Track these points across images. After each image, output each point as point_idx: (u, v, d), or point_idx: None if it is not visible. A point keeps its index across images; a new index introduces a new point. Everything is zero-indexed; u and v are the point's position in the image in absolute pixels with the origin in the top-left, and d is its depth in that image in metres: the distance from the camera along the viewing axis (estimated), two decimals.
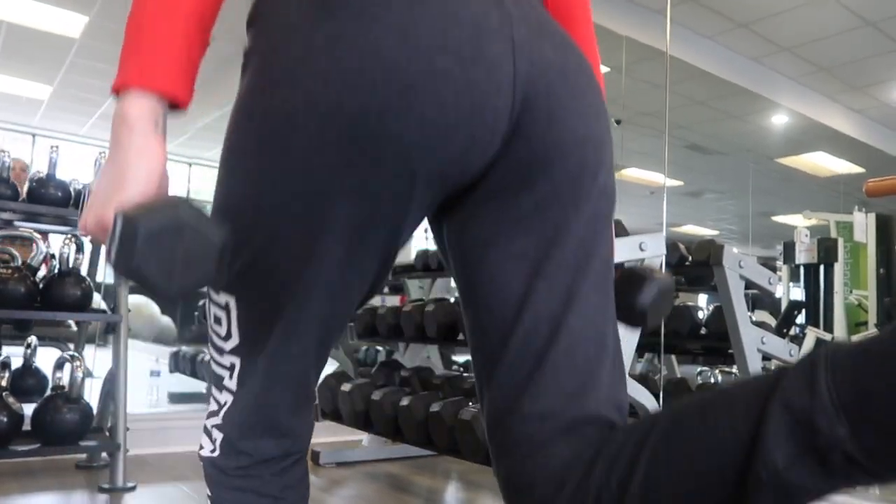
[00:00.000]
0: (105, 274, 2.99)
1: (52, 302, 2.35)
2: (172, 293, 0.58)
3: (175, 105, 0.65)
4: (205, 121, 6.47)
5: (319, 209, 0.66)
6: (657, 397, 2.22)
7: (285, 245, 0.68)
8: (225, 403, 0.76)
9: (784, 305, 5.33)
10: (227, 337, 0.74)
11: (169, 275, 0.57)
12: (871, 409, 0.50)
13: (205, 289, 0.75)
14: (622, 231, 2.05)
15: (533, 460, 0.67)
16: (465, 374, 2.75)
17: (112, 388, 2.51)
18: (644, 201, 6.45)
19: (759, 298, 4.91)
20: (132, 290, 2.63)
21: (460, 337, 2.43)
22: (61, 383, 2.36)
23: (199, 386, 4.16)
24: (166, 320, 7.84)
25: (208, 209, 0.67)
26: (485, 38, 0.65)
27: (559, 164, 0.70)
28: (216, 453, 0.76)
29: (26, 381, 2.74)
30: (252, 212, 0.68)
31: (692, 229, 10.66)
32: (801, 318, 5.12)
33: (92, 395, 2.65)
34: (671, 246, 2.45)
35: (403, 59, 0.62)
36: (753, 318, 2.41)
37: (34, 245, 2.64)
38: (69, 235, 2.55)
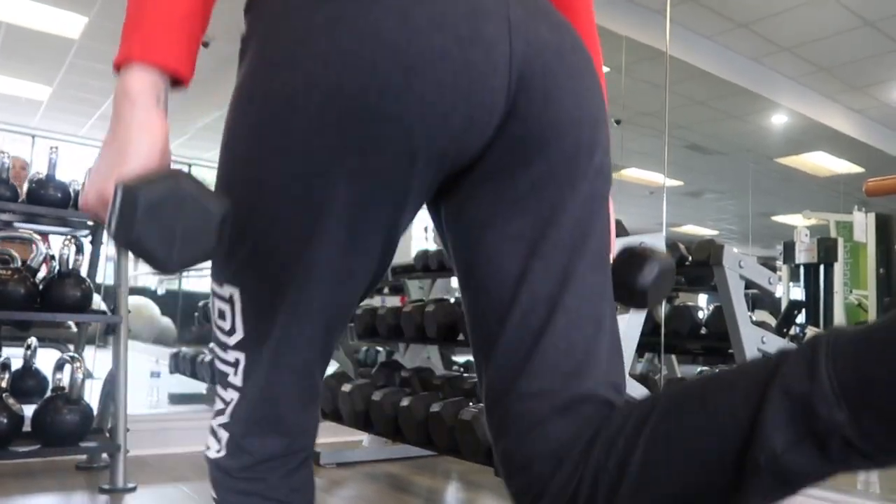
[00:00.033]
0: (105, 275, 2.99)
1: (52, 303, 2.35)
2: (172, 265, 0.58)
3: (176, 81, 0.65)
4: (205, 121, 6.48)
5: (320, 190, 0.66)
6: None
7: (287, 227, 0.68)
8: (231, 401, 0.75)
9: (784, 305, 5.34)
10: (232, 331, 0.73)
11: (169, 246, 0.57)
12: (873, 395, 0.50)
13: (211, 284, 0.75)
14: (622, 231, 2.05)
15: (531, 438, 0.68)
16: (465, 375, 2.75)
17: (112, 389, 2.51)
18: (644, 201, 6.46)
19: (759, 298, 4.92)
20: (131, 292, 2.63)
21: (460, 337, 2.43)
22: (61, 384, 2.35)
23: (200, 387, 4.16)
24: (166, 321, 7.85)
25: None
26: (481, 18, 0.66)
27: (555, 144, 0.70)
28: (222, 453, 0.76)
29: (26, 382, 2.73)
30: (254, 195, 0.68)
31: (692, 229, 10.66)
32: (801, 318, 5.12)
33: (92, 396, 2.65)
34: (671, 246, 2.45)
35: (403, 40, 0.63)
36: (753, 318, 2.41)
37: (34, 246, 2.63)
38: (69, 236, 2.55)
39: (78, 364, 2.37)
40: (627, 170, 7.01)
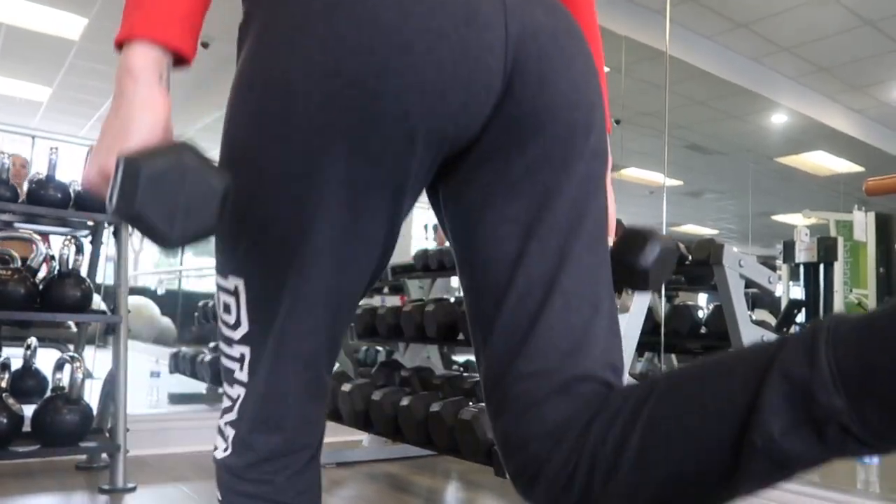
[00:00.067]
0: (105, 275, 2.99)
1: (52, 303, 2.35)
2: (173, 240, 0.57)
3: (179, 60, 0.66)
4: (205, 121, 6.47)
5: (321, 174, 0.67)
6: None
7: (289, 212, 0.68)
8: (238, 397, 0.75)
9: (784, 304, 5.34)
10: (237, 324, 0.73)
11: (171, 220, 0.56)
12: (873, 383, 0.50)
13: (214, 273, 0.75)
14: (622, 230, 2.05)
15: (529, 417, 0.68)
16: (465, 374, 2.75)
17: (112, 388, 2.51)
18: (644, 201, 6.46)
19: (759, 297, 4.91)
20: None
21: (460, 337, 2.43)
22: (61, 384, 2.36)
23: (199, 387, 4.15)
24: (166, 321, 7.85)
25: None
26: (477, 0, 0.67)
27: (549, 126, 0.71)
28: (228, 452, 0.75)
29: (26, 382, 2.74)
30: (255, 181, 0.68)
31: (692, 229, 10.66)
32: (801, 317, 5.12)
33: (92, 396, 2.65)
34: None
35: (399, 22, 0.64)
36: (753, 317, 2.42)
37: (34, 246, 2.64)
38: (69, 236, 2.55)
39: (78, 364, 2.37)
40: (627, 170, 7.00)
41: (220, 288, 0.75)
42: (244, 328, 0.73)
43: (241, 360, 0.74)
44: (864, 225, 5.23)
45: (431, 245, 5.62)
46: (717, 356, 0.61)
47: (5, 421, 2.20)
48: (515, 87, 0.70)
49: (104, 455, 2.59)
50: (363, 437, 3.05)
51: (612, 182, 0.87)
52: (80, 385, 2.35)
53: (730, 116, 6.32)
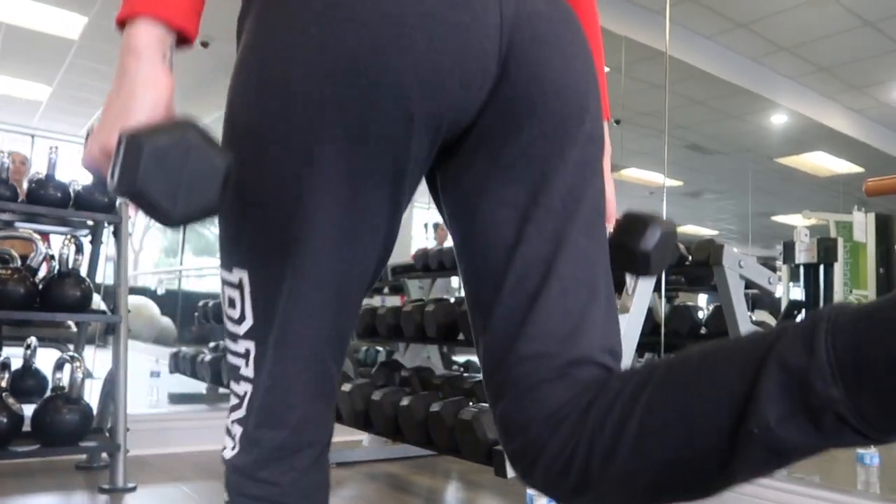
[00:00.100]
0: (105, 275, 2.99)
1: (52, 303, 2.36)
2: (175, 218, 0.56)
3: (181, 40, 0.66)
4: (205, 121, 6.45)
5: (322, 153, 0.67)
6: None
7: (288, 192, 0.68)
8: (245, 394, 0.74)
9: (784, 305, 5.34)
10: (241, 318, 0.73)
11: (173, 197, 0.55)
12: (872, 373, 0.50)
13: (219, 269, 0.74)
14: None
15: (528, 400, 0.68)
16: (465, 374, 2.75)
17: (112, 388, 2.51)
18: (644, 201, 6.46)
19: (759, 298, 4.91)
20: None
21: (460, 337, 2.43)
22: (61, 384, 2.36)
23: (199, 387, 4.15)
24: (166, 321, 7.85)
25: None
26: None
27: (544, 110, 0.72)
28: (236, 450, 0.74)
29: (26, 381, 2.74)
30: (256, 165, 0.69)
31: (692, 229, 10.66)
32: (801, 318, 5.11)
33: (92, 395, 2.65)
34: None
35: (396, 3, 0.65)
36: (753, 318, 2.42)
37: (34, 246, 2.64)
38: (69, 236, 2.55)
39: (78, 364, 2.37)
40: (627, 170, 7.00)
41: (224, 283, 0.74)
42: (249, 322, 0.72)
43: (246, 355, 0.73)
44: (863, 225, 5.23)
45: (432, 244, 5.62)
46: (716, 343, 0.62)
47: (5, 421, 2.20)
48: (510, 71, 0.71)
49: (104, 455, 2.59)
50: (363, 437, 3.05)
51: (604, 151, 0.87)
52: (80, 385, 2.35)
53: (730, 116, 6.32)
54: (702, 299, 5.38)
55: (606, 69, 0.99)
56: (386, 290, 4.21)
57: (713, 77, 5.04)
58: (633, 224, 0.82)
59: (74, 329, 3.12)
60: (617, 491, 0.63)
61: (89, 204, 2.52)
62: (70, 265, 2.41)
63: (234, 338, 0.74)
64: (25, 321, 2.79)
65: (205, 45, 4.50)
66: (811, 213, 6.56)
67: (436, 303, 2.51)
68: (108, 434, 2.50)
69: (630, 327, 1.97)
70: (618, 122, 4.81)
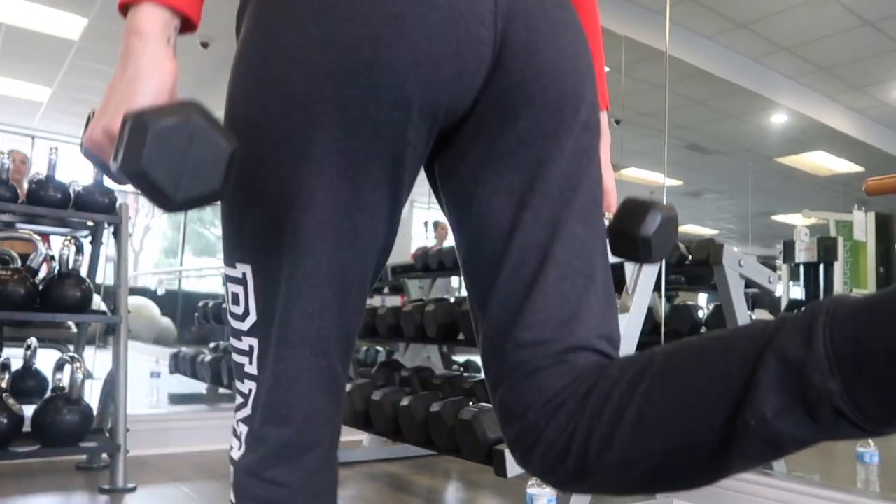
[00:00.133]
0: (105, 275, 2.99)
1: (52, 303, 2.36)
2: (178, 201, 0.56)
3: (185, 25, 0.66)
4: None
5: (320, 142, 0.67)
6: None
7: (288, 182, 0.68)
8: (250, 392, 0.73)
9: (784, 304, 5.34)
10: (245, 314, 0.72)
11: (176, 180, 0.55)
12: (870, 367, 0.50)
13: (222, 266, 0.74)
14: None
15: (525, 387, 0.69)
16: (465, 374, 2.75)
17: (112, 389, 2.51)
18: None
19: (759, 297, 4.91)
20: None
21: (460, 337, 2.43)
22: (61, 384, 2.36)
23: (200, 387, 4.16)
24: (166, 321, 7.86)
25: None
26: None
27: (539, 97, 0.72)
28: (242, 450, 0.73)
29: (26, 382, 2.74)
30: (256, 156, 0.69)
31: (692, 229, 10.64)
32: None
33: (92, 396, 2.65)
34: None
35: (396, 2, 0.65)
36: (753, 317, 2.42)
37: (34, 246, 2.64)
38: (69, 237, 2.56)
39: (78, 364, 2.37)
40: (627, 170, 7.00)
41: (228, 279, 0.74)
42: (252, 317, 0.72)
43: (249, 352, 0.73)
44: (863, 225, 5.23)
45: (432, 242, 5.62)
46: (715, 334, 0.62)
47: (5, 421, 2.20)
48: (505, 58, 0.71)
49: (104, 455, 2.59)
50: (363, 437, 3.05)
51: (600, 138, 0.86)
52: (80, 385, 2.35)
53: (730, 116, 6.32)
54: (702, 298, 5.38)
55: (606, 69, 0.99)
56: (386, 290, 4.21)
57: (713, 77, 5.04)
58: (633, 210, 0.82)
59: (74, 330, 3.12)
60: (614, 478, 0.64)
61: (89, 205, 2.52)
62: (70, 266, 2.41)
63: (238, 335, 0.74)
64: (26, 322, 2.79)
65: (205, 45, 4.50)
66: (811, 213, 6.56)
67: (436, 303, 2.51)
68: (108, 434, 2.50)
69: (630, 327, 1.97)
70: (618, 121, 4.81)
